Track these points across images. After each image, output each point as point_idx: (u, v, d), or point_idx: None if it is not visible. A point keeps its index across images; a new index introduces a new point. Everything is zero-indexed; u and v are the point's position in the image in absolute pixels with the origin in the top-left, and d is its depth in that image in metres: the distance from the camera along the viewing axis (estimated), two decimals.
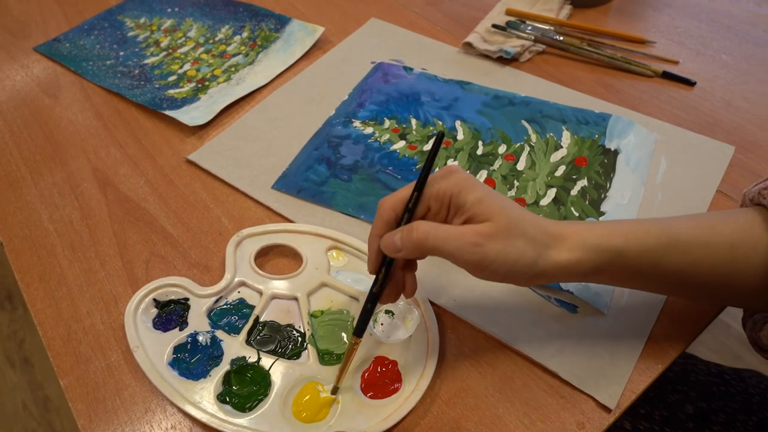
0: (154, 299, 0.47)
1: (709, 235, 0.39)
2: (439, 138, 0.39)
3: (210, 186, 0.58)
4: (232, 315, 0.47)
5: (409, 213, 0.39)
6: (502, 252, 0.36)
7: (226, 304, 0.48)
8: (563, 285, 0.46)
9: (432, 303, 0.47)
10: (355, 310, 0.47)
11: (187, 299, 0.48)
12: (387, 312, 0.46)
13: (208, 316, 0.47)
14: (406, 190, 0.39)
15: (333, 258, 0.50)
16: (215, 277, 0.50)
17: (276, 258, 0.52)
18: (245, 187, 0.57)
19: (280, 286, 0.48)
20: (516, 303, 0.47)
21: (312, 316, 0.47)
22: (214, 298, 0.48)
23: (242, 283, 0.49)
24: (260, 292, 0.48)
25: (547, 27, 0.73)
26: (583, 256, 0.37)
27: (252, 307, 0.47)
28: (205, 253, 0.52)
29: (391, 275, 0.40)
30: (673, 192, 0.54)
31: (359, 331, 0.41)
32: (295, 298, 0.48)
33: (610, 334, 0.45)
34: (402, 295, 0.42)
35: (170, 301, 0.48)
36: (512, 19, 0.74)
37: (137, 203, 0.57)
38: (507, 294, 0.47)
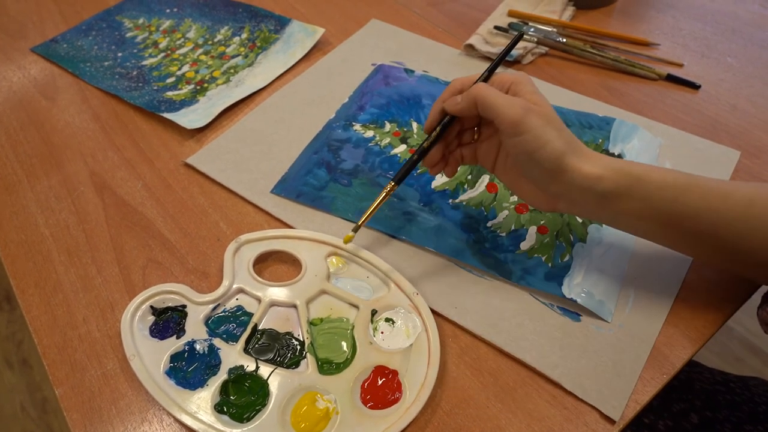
0: (151, 306, 0.47)
1: (728, 187, 0.40)
2: (519, 37, 0.43)
3: (208, 190, 0.57)
4: (230, 323, 0.46)
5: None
6: (539, 127, 0.39)
7: (224, 311, 0.47)
8: (566, 293, 0.46)
9: (433, 311, 0.46)
10: (355, 318, 0.46)
11: (184, 306, 0.47)
12: (387, 320, 0.46)
13: (206, 323, 0.46)
14: (476, 75, 0.45)
15: (333, 264, 0.49)
16: (213, 283, 0.49)
17: (275, 264, 0.51)
18: (244, 191, 0.56)
19: (278, 293, 0.47)
20: (518, 311, 0.46)
21: (311, 323, 0.46)
22: (211, 306, 0.47)
23: (240, 290, 0.48)
24: (259, 299, 0.47)
25: (549, 29, 0.72)
26: (604, 174, 0.39)
27: (250, 315, 0.47)
28: (202, 259, 0.51)
29: (444, 137, 0.46)
30: None
31: (399, 178, 0.46)
32: (294, 306, 0.47)
33: (613, 343, 0.44)
34: (444, 171, 0.48)
35: (167, 309, 0.47)
36: (514, 20, 0.73)
37: (134, 207, 0.56)
38: (509, 302, 0.47)
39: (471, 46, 0.69)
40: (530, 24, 0.72)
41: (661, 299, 0.46)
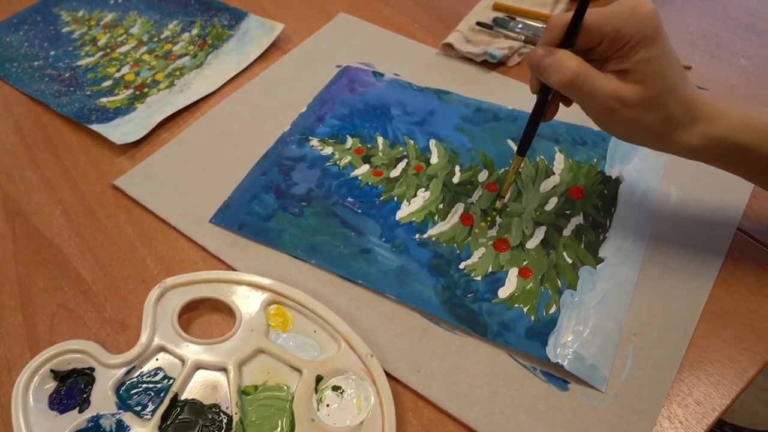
0: (52, 370, 0.39)
1: None
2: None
3: (137, 218, 0.49)
4: (145, 391, 0.38)
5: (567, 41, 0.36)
6: (633, 120, 0.36)
7: (139, 375, 0.39)
8: (551, 356, 0.38)
9: (391, 376, 0.38)
10: (296, 386, 0.38)
11: (92, 369, 0.39)
12: (335, 388, 0.38)
13: (116, 392, 0.38)
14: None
15: (273, 316, 0.41)
16: (132, 337, 0.42)
17: (208, 314, 0.43)
18: (178, 221, 0.48)
19: (206, 352, 0.39)
20: (493, 376, 0.38)
21: (243, 393, 0.38)
22: (125, 369, 0.39)
23: (161, 348, 0.40)
24: (183, 360, 0.39)
25: (540, 25, 0.63)
26: (704, 145, 0.37)
27: (172, 380, 0.39)
28: (123, 305, 0.43)
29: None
30: (685, 230, 0.45)
31: (522, 150, 0.43)
32: (224, 369, 0.39)
33: (608, 418, 0.36)
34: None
35: (72, 372, 0.39)
36: (500, 15, 0.64)
37: (49, 239, 0.48)
38: (483, 364, 0.39)
39: (449, 45, 0.60)
40: (518, 19, 0.64)
41: (665, 361, 0.38)
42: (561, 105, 0.42)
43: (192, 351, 0.40)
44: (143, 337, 0.40)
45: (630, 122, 0.36)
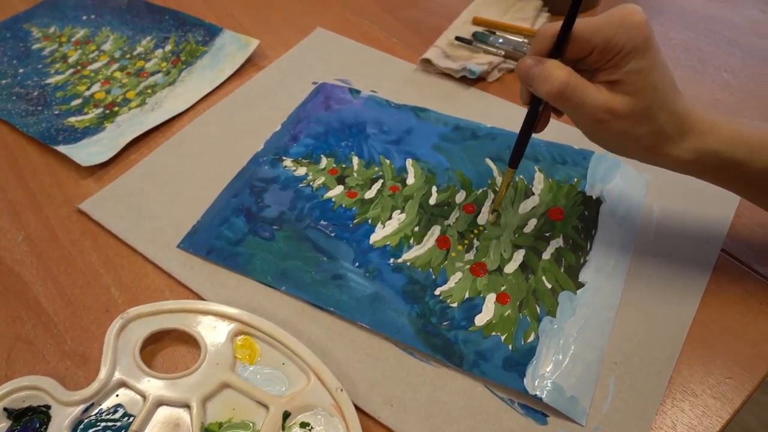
0: (5, 408, 0.37)
1: None
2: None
3: (103, 244, 0.47)
4: (104, 430, 0.36)
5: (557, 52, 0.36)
6: (623, 132, 0.35)
7: (98, 413, 0.37)
8: (530, 389, 0.36)
9: (362, 411, 0.36)
10: (263, 422, 0.36)
11: (48, 407, 0.37)
12: (303, 425, 0.36)
13: (73, 431, 0.36)
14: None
15: (240, 347, 0.40)
16: (93, 371, 0.39)
17: (173, 345, 0.41)
18: (144, 246, 0.46)
19: (169, 388, 0.38)
20: (470, 410, 0.36)
21: (207, 430, 0.36)
22: (83, 406, 0.37)
23: (122, 384, 0.38)
24: (144, 396, 0.37)
25: (520, 39, 0.62)
26: (695, 158, 0.36)
27: (132, 418, 0.37)
28: (84, 337, 0.42)
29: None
30: (668, 252, 0.43)
31: (513, 162, 0.41)
32: (187, 406, 0.37)
33: None
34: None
35: (27, 409, 0.37)
36: (480, 29, 0.63)
37: (10, 267, 0.46)
38: (458, 396, 0.37)
39: (428, 61, 0.59)
40: (498, 34, 0.63)
41: (648, 391, 0.37)
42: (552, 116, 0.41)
43: (154, 386, 0.38)
44: (102, 373, 0.38)
45: (620, 134, 0.36)
